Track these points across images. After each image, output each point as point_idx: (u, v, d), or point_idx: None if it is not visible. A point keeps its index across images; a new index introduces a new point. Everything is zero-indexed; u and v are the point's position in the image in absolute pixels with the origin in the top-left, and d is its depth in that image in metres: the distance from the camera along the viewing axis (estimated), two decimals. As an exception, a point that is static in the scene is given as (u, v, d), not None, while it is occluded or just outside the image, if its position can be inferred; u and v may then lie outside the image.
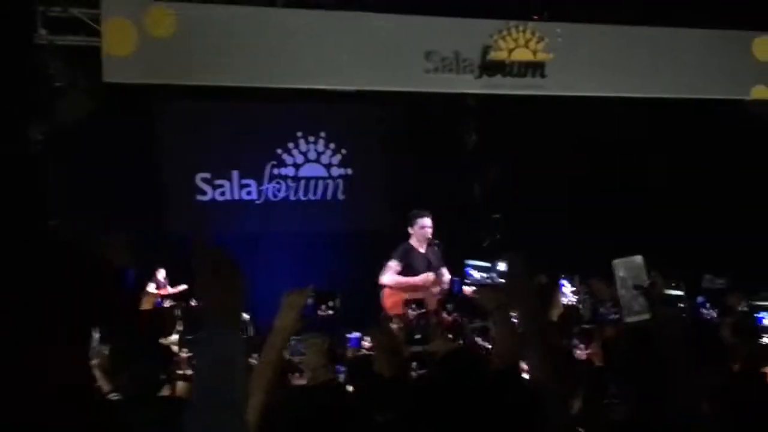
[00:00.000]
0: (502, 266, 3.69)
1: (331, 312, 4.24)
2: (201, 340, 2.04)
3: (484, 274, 3.83)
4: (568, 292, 6.95)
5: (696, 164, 11.59)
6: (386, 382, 4.07)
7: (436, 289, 9.21)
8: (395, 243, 9.63)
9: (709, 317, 6.47)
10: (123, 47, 9.00)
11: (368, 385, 4.20)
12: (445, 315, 7.42)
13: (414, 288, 8.88)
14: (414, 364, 4.96)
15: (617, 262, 3.54)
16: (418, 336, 5.01)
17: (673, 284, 6.31)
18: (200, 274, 2.02)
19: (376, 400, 3.71)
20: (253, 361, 6.17)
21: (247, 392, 2.04)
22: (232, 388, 1.95)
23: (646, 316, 3.36)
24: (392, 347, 4.47)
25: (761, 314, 6.93)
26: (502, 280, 3.69)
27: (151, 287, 11.15)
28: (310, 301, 4.08)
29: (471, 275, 3.92)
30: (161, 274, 11.27)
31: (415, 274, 9.33)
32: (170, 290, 11.26)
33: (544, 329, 3.43)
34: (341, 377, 6.29)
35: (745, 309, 6.77)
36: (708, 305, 6.53)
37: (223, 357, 1.96)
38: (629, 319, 3.46)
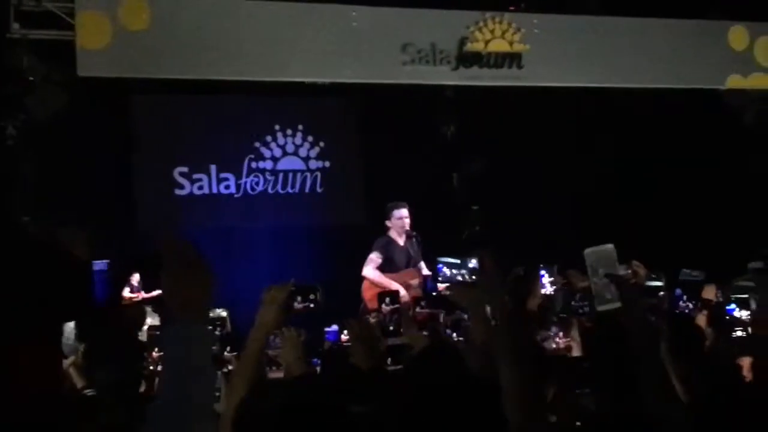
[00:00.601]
0: (473, 263, 3.68)
1: (311, 306, 4.22)
2: (165, 334, 2.02)
3: (455, 271, 3.81)
4: (546, 283, 6.94)
5: (674, 155, 11.61)
6: (363, 374, 4.06)
7: (414, 282, 9.23)
8: (374, 236, 9.64)
9: (686, 309, 6.49)
10: (97, 41, 8.94)
11: (344, 376, 4.19)
12: (419, 310, 7.39)
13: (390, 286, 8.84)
14: (389, 358, 4.95)
15: (588, 251, 3.53)
16: (391, 328, 5.00)
17: (653, 276, 6.33)
18: (165, 267, 2.01)
19: (352, 391, 3.70)
20: (228, 355, 6.19)
21: (213, 386, 2.02)
22: (198, 381, 1.93)
23: (617, 305, 3.36)
24: (369, 338, 4.46)
25: (731, 306, 6.97)
26: (474, 277, 3.68)
27: (126, 291, 11.12)
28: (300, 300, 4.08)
29: (442, 272, 3.90)
30: (135, 278, 11.24)
31: (396, 266, 9.34)
32: (144, 295, 11.24)
33: (515, 324, 3.43)
34: (318, 369, 6.29)
35: (720, 300, 6.79)
36: (685, 297, 6.55)
37: (188, 350, 1.94)
38: (600, 308, 3.45)
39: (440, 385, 2.78)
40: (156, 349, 6.47)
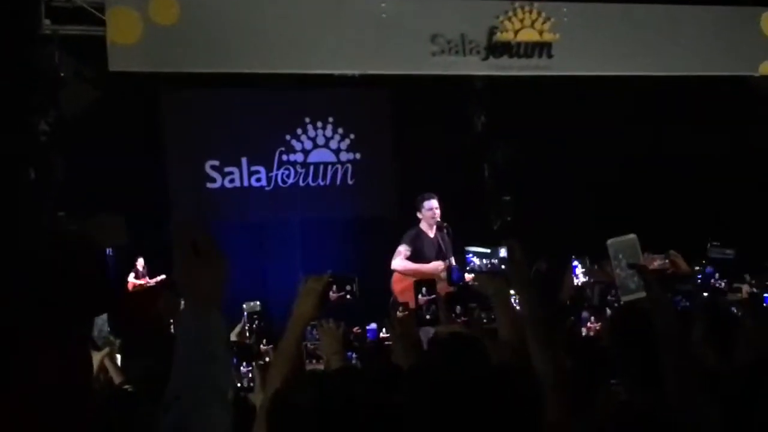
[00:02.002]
0: (503, 252, 3.66)
1: (348, 297, 4.22)
2: (180, 322, 2.03)
3: (485, 261, 3.79)
4: (579, 274, 6.90)
5: (705, 142, 11.52)
6: (403, 372, 4.05)
7: (444, 274, 9.20)
8: (405, 227, 9.62)
9: (719, 288, 6.41)
10: (127, 36, 8.99)
11: (385, 373, 4.18)
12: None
13: (423, 274, 8.83)
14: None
15: (611, 242, 3.52)
16: (428, 317, 4.98)
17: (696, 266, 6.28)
18: (178, 254, 2.01)
19: (393, 386, 3.71)
20: (264, 348, 6.21)
21: (228, 373, 2.01)
22: (212, 367, 1.93)
23: (641, 294, 3.34)
24: (408, 335, 4.45)
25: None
26: (503, 267, 3.67)
27: (131, 277, 11.19)
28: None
29: (471, 262, 3.89)
30: (140, 263, 11.31)
31: (425, 258, 9.32)
32: (149, 280, 11.31)
33: (546, 315, 3.42)
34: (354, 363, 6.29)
35: (755, 291, 6.73)
36: (717, 276, 6.47)
37: (200, 337, 1.94)
38: (625, 298, 3.44)
39: (463, 377, 2.78)
40: None
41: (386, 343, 7.08)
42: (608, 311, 6.27)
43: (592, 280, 6.55)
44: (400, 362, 4.17)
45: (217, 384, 1.94)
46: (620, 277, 3.48)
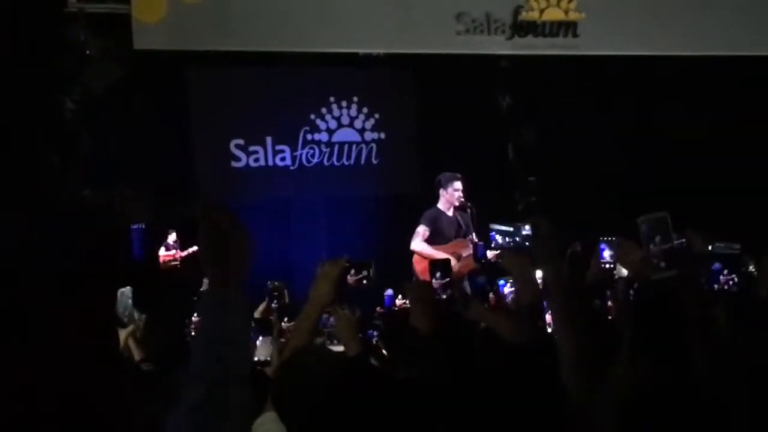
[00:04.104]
0: (527, 230, 3.66)
1: (364, 281, 4.24)
2: (202, 299, 2.04)
3: (508, 239, 3.79)
4: (606, 256, 6.85)
5: (735, 123, 11.42)
6: (421, 338, 4.05)
7: (465, 252, 9.19)
8: (430, 207, 9.62)
9: (728, 283, 6.34)
10: (153, 14, 8.99)
11: (403, 342, 4.19)
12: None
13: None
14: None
15: (642, 219, 3.50)
16: (444, 297, 4.97)
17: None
18: (202, 232, 2.02)
19: (409, 359, 3.71)
20: (286, 326, 6.22)
21: (248, 351, 2.03)
22: (233, 346, 1.94)
23: (672, 273, 3.32)
24: (428, 300, 4.45)
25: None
26: (527, 244, 3.66)
27: (162, 251, 11.25)
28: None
29: (495, 239, 3.88)
30: (171, 237, 11.36)
31: (445, 238, 9.32)
32: (180, 253, 11.36)
33: (571, 292, 3.41)
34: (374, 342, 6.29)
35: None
36: (726, 272, 6.40)
37: (222, 315, 1.95)
38: (656, 276, 3.41)
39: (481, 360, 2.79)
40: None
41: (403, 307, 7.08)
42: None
43: (615, 269, 6.48)
44: (418, 325, 4.17)
45: (236, 363, 1.94)
46: (651, 254, 3.45)
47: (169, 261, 11.30)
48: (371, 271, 4.27)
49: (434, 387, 2.88)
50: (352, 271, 4.15)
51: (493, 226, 3.93)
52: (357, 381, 2.37)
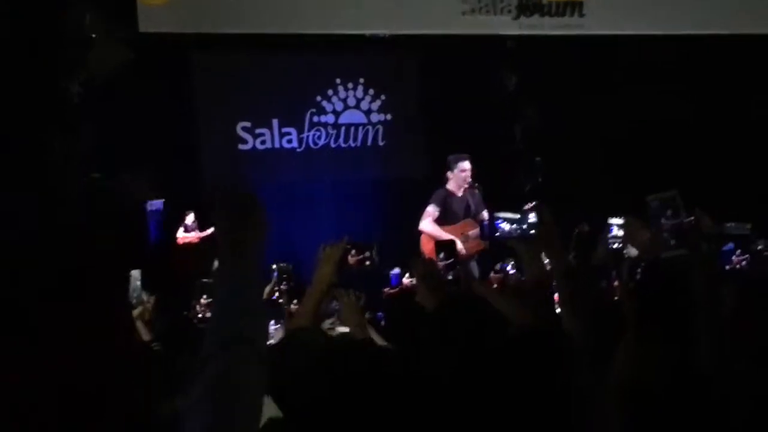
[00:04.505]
0: (532, 217, 3.66)
1: (367, 263, 4.24)
2: (217, 274, 2.06)
3: (515, 226, 3.79)
4: (615, 235, 6.86)
5: (743, 104, 11.39)
6: (428, 316, 4.05)
7: (473, 232, 9.19)
8: (436, 188, 9.61)
9: (741, 263, 6.36)
10: (158, -4, 8.99)
11: (409, 321, 4.18)
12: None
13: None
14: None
15: (652, 197, 3.49)
16: (450, 278, 4.98)
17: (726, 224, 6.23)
18: (219, 208, 2.04)
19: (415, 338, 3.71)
20: (294, 308, 6.23)
21: (265, 326, 2.04)
22: (249, 320, 1.94)
23: (682, 251, 3.31)
24: (434, 276, 4.44)
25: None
26: (533, 232, 3.67)
27: (180, 232, 11.27)
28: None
29: (501, 227, 3.89)
30: (190, 218, 11.38)
31: (454, 218, 9.31)
32: (200, 234, 11.38)
33: (578, 276, 3.41)
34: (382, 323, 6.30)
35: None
36: (738, 252, 6.41)
37: (239, 290, 1.96)
38: (665, 254, 3.41)
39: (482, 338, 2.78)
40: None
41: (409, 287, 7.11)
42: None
43: (624, 249, 6.48)
44: (424, 303, 4.17)
45: (253, 337, 1.95)
46: (661, 233, 3.44)
47: (189, 243, 11.34)
48: (373, 252, 4.27)
49: (438, 367, 2.88)
50: (353, 252, 4.15)
51: (499, 214, 3.93)
52: (354, 363, 2.36)
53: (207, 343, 1.93)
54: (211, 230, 11.13)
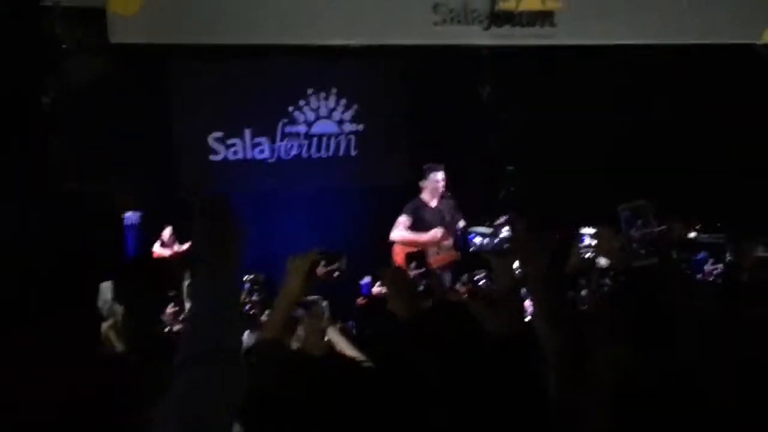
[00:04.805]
0: (505, 231, 3.68)
1: (336, 273, 4.23)
2: (194, 282, 2.06)
3: (487, 240, 3.81)
4: (587, 244, 6.88)
5: (709, 112, 11.48)
6: (400, 324, 4.04)
7: (447, 242, 9.21)
8: (410, 198, 9.63)
9: (714, 272, 6.40)
10: (129, 7, 8.94)
11: (381, 328, 4.18)
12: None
13: (421, 244, 8.83)
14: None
15: (623, 207, 3.52)
16: (421, 288, 4.99)
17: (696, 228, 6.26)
18: (197, 218, 2.04)
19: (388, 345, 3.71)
20: (266, 319, 6.22)
21: (241, 333, 2.05)
22: (226, 327, 1.95)
23: (653, 260, 3.34)
24: (405, 285, 4.44)
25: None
26: (505, 246, 3.69)
27: (157, 246, 11.19)
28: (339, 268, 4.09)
29: (474, 242, 3.90)
30: (167, 232, 11.31)
31: (427, 228, 9.33)
32: (177, 249, 11.31)
33: (550, 288, 3.42)
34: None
35: (765, 255, 6.70)
36: (711, 261, 6.46)
37: (215, 297, 1.96)
38: (637, 263, 3.44)
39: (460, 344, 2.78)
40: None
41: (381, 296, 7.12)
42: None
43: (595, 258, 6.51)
44: (396, 310, 4.17)
45: (229, 344, 1.95)
46: (632, 241, 3.47)
47: (167, 258, 11.24)
48: (342, 263, 4.26)
49: (411, 375, 2.88)
50: (323, 263, 4.14)
51: (472, 228, 3.95)
52: (316, 377, 2.35)
53: (181, 352, 1.93)
54: (188, 245, 11.09)
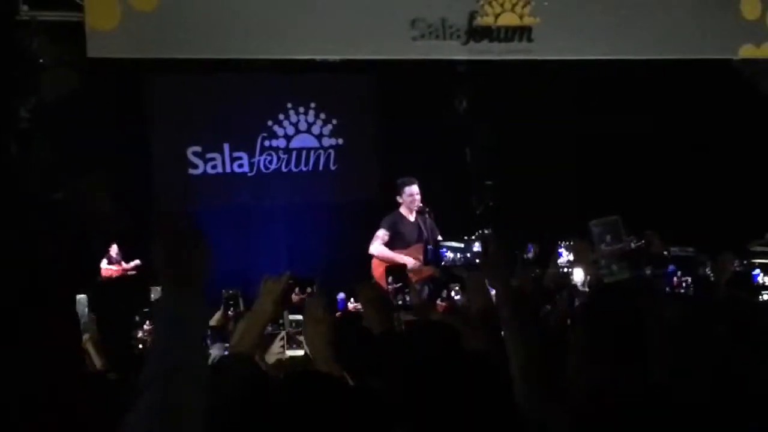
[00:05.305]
0: (477, 246, 3.70)
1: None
2: (157, 305, 2.07)
3: (459, 255, 3.83)
4: (563, 259, 6.90)
5: (683, 126, 11.57)
6: (375, 339, 4.05)
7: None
8: (388, 212, 9.64)
9: (683, 286, 6.41)
10: (107, 22, 8.90)
11: (357, 342, 4.18)
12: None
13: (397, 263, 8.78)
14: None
15: (594, 223, 3.54)
16: (400, 302, 5.01)
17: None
18: (158, 238, 2.04)
19: (365, 360, 3.71)
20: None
21: (205, 356, 2.05)
22: (188, 353, 1.95)
23: (624, 275, 3.35)
24: (380, 300, 4.45)
25: (756, 272, 6.96)
26: (477, 261, 3.70)
27: (104, 263, 11.13)
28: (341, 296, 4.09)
29: (446, 256, 3.93)
30: (114, 250, 11.27)
31: (405, 242, 9.34)
32: (124, 266, 11.27)
33: (519, 305, 3.43)
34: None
35: (739, 269, 6.73)
36: (679, 273, 6.47)
37: (179, 322, 1.96)
38: (608, 279, 3.45)
39: (437, 362, 2.79)
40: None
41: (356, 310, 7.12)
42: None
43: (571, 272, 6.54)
44: (371, 326, 4.17)
45: (193, 367, 1.95)
46: (603, 257, 3.49)
47: (113, 275, 11.19)
48: (315, 288, 4.27)
49: (385, 391, 2.89)
50: (297, 289, 4.14)
51: (443, 243, 3.97)
52: (280, 394, 2.36)
53: (145, 370, 1.93)
54: (136, 262, 11.08)
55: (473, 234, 3.87)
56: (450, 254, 3.88)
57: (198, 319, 2.02)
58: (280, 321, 5.77)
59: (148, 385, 1.91)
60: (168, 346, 1.96)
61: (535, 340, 3.25)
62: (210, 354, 4.83)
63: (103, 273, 11.05)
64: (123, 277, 11.16)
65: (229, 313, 6.07)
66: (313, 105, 12.27)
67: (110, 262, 11.27)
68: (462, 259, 3.80)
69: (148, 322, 6.42)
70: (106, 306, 6.10)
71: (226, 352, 4.85)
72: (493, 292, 3.85)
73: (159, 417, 1.88)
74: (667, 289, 5.80)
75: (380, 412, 2.52)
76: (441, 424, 2.58)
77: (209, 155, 12.00)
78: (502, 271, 3.52)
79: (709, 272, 6.54)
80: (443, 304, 7.44)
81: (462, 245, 3.80)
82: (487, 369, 2.80)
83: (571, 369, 3.37)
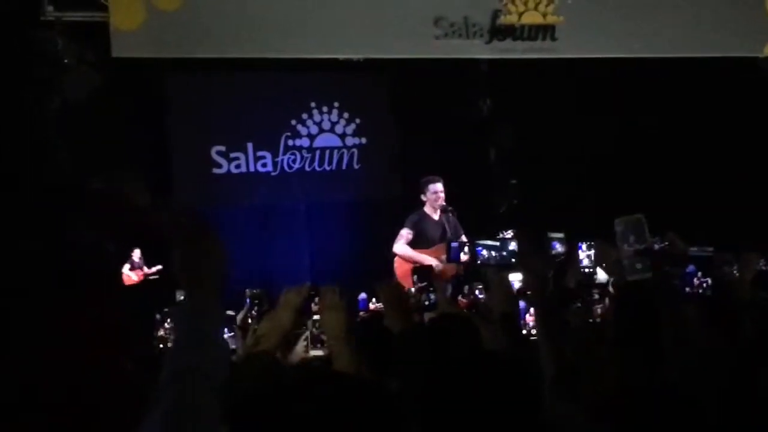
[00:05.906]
0: (513, 245, 3.71)
1: None
2: (176, 307, 2.08)
3: (494, 253, 3.84)
4: (584, 258, 6.87)
5: (712, 125, 11.49)
6: (396, 338, 4.04)
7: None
8: (411, 211, 9.64)
9: (702, 286, 6.35)
10: (131, 21, 8.95)
11: (377, 342, 4.18)
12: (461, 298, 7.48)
13: (420, 262, 8.76)
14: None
15: (618, 221, 3.52)
16: (426, 303, 5.01)
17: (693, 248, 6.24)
18: (177, 241, 2.04)
19: (386, 359, 3.71)
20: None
21: (224, 359, 2.04)
22: (208, 353, 1.95)
23: (647, 275, 3.34)
24: (400, 300, 4.45)
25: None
26: (513, 260, 3.71)
27: (126, 268, 11.16)
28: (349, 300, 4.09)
29: (481, 254, 3.93)
30: (136, 254, 11.30)
31: (429, 241, 9.34)
32: (146, 270, 11.30)
33: (552, 303, 3.43)
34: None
35: (764, 268, 6.67)
36: (700, 274, 6.41)
37: (198, 323, 1.97)
38: (631, 278, 3.44)
39: (457, 361, 2.77)
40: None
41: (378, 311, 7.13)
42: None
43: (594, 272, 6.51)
44: (392, 326, 4.17)
45: (209, 370, 1.96)
46: (627, 256, 3.47)
47: (136, 282, 11.22)
48: None
49: (406, 390, 2.88)
50: (317, 299, 4.15)
51: (479, 242, 3.97)
52: (305, 394, 2.35)
53: (163, 373, 1.94)
54: (158, 267, 11.10)
55: (506, 232, 3.88)
56: (485, 252, 3.89)
57: (212, 321, 2.02)
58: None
59: (164, 387, 1.92)
60: (182, 348, 1.97)
61: (563, 339, 3.25)
62: (235, 352, 4.84)
63: (124, 278, 11.08)
64: (144, 282, 11.20)
65: (253, 312, 6.08)
66: (336, 104, 12.27)
67: (132, 267, 11.30)
68: (497, 257, 3.80)
69: (168, 321, 6.46)
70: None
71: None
72: (516, 287, 3.85)
73: (174, 417, 1.88)
74: (687, 289, 5.76)
75: (398, 412, 2.51)
76: (459, 426, 2.57)
77: (233, 154, 12.01)
78: (537, 267, 3.51)
79: (734, 271, 6.49)
80: (464, 300, 7.43)
81: (498, 243, 3.81)
82: (509, 370, 2.78)
83: (601, 365, 3.37)
